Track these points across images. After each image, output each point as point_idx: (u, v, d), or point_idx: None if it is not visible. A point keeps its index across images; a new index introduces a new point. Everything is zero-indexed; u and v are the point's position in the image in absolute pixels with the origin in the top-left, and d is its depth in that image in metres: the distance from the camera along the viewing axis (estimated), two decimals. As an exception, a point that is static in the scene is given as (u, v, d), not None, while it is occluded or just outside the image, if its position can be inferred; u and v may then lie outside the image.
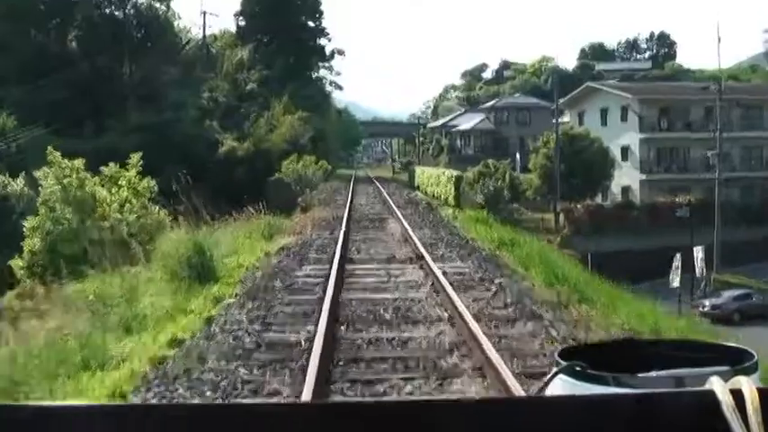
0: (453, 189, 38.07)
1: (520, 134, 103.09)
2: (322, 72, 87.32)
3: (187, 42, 71.60)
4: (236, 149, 59.03)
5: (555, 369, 1.73)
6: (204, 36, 73.26)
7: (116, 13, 67.69)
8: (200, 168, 58.75)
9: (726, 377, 1.39)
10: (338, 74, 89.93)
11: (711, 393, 1.33)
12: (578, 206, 63.26)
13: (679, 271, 49.74)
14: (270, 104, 64.79)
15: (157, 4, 69.49)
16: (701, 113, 75.20)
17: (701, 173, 71.04)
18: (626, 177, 71.75)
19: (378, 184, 58.67)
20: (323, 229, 25.77)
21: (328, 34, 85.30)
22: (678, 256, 49.64)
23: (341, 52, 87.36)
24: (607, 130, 73.67)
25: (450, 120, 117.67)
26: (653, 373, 1.72)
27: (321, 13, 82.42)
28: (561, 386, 1.70)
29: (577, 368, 1.70)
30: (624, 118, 75.67)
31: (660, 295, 48.65)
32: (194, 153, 59.08)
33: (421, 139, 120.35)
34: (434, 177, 45.42)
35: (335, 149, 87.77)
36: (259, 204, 31.84)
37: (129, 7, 68.54)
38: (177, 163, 60.76)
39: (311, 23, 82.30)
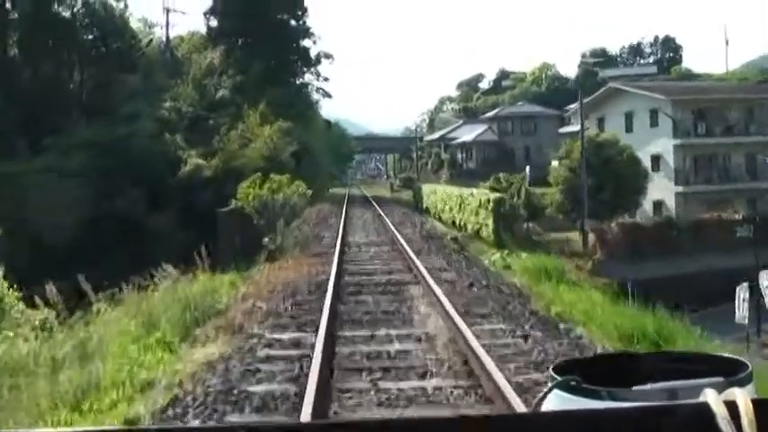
0: (491, 219, 24.92)
1: (525, 144, 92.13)
2: (307, 77, 72.56)
3: (149, 43, 57.94)
4: (201, 168, 45.89)
5: (550, 384, 1.68)
6: (168, 37, 59.30)
7: (62, 11, 54.42)
8: (160, 192, 46.24)
9: (720, 389, 1.37)
10: (326, 80, 75.53)
11: (706, 405, 1.31)
12: (611, 225, 51.49)
13: (746, 304, 39.65)
14: (244, 114, 51.62)
15: (113, 2, 56.19)
16: (740, 115, 63.59)
17: (743, 182, 60.61)
18: (657, 190, 59.47)
19: (377, 206, 45.60)
20: (286, 323, 12.61)
21: (313, 35, 71.17)
22: (745, 285, 39.40)
23: (329, 56, 72.43)
24: (633, 137, 61.48)
25: (449, 132, 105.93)
26: (647, 387, 1.65)
27: (305, 9, 68.49)
28: (556, 401, 1.65)
29: (572, 383, 1.65)
30: (654, 122, 63.90)
31: (717, 328, 37.45)
32: (153, 173, 46.37)
33: (418, 153, 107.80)
34: (454, 199, 32.30)
35: (325, 166, 74.31)
36: (203, 251, 19.45)
37: (78, 5, 55.35)
38: (133, 186, 48.32)
39: (294, 22, 68.78)
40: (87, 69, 54.82)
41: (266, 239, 23.67)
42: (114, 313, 14.55)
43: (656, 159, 62.14)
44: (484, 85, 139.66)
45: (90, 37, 55.80)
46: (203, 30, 66.24)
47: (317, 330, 10.93)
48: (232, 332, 11.97)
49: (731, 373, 1.60)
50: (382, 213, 38.28)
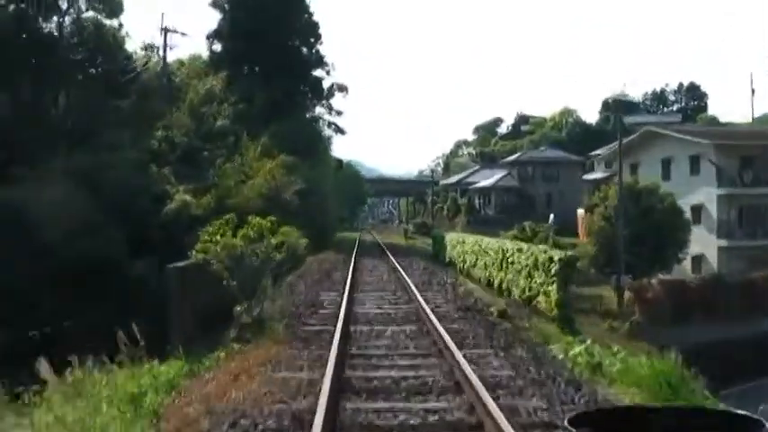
0: (556, 286, 17.52)
1: (547, 191, 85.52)
2: (318, 111, 66.27)
3: (145, 65, 50.76)
4: (189, 205, 38.64)
5: None
6: (165, 59, 51.59)
7: (46, 26, 47.49)
8: (141, 232, 39.11)
9: None
10: (339, 114, 67.83)
11: None
12: (652, 281, 44.70)
13: (815, 376, 34.21)
14: (243, 146, 44.40)
15: (106, 21, 49.23)
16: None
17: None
18: (697, 244, 52.52)
19: (392, 257, 38.07)
20: None
21: (327, 65, 63.95)
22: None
23: (343, 88, 65.90)
24: (671, 185, 54.89)
25: (467, 176, 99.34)
26: None
27: (319, 37, 61.52)
28: None
29: None
30: (695, 170, 57.19)
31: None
32: (135, 210, 39.30)
33: (434, 197, 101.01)
34: (492, 254, 24.82)
35: (334, 208, 66.89)
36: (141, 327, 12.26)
37: (67, 23, 48.41)
38: (112, 224, 41.22)
39: (305, 50, 62.00)
40: (73, 93, 47.82)
41: (238, 309, 16.28)
42: None
43: (697, 210, 55.51)
44: (502, 129, 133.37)
45: (78, 57, 48.77)
46: (206, 54, 59.44)
47: None
48: None
49: (744, 430, 1.52)
50: (399, 267, 30.50)
